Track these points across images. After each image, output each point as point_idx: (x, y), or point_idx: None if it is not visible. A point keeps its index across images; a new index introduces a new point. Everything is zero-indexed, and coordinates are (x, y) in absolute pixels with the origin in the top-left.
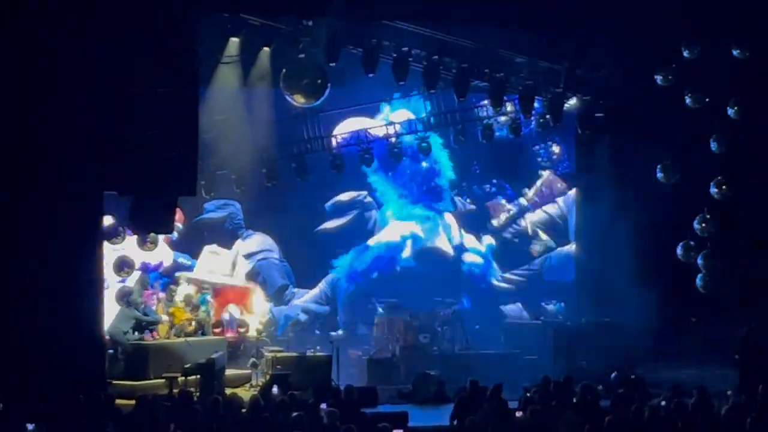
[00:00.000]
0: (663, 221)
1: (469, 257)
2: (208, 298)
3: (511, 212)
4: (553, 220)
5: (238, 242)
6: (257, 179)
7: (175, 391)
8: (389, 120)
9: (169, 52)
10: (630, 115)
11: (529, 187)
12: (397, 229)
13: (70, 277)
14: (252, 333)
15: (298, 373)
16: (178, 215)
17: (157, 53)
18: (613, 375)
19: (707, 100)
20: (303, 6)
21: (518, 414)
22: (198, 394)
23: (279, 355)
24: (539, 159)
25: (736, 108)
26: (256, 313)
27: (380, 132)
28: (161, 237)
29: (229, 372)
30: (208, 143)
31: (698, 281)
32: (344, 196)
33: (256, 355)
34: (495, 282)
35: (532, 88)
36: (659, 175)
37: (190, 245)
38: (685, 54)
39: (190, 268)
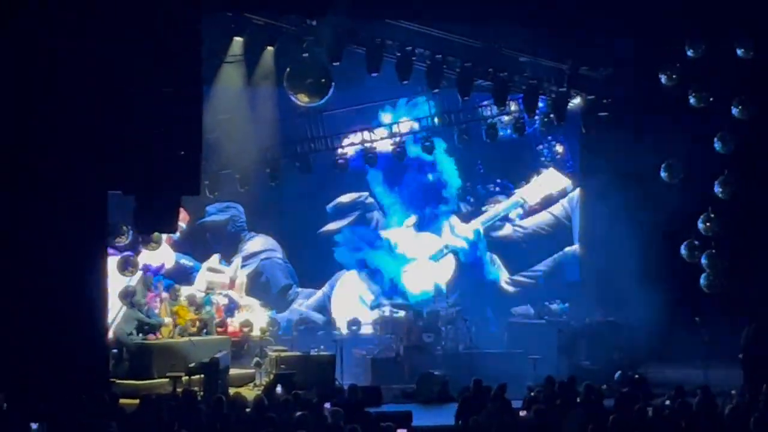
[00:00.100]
0: (667, 220)
1: (452, 240)
2: (213, 297)
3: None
4: (559, 222)
5: (237, 258)
6: (261, 179)
7: (179, 390)
8: (393, 125)
9: (172, 51)
10: (634, 114)
11: (527, 182)
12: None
13: (74, 277)
14: (256, 332)
15: (302, 372)
16: (182, 215)
17: (160, 53)
18: (616, 374)
19: (711, 99)
20: (307, 5)
21: (522, 413)
22: (202, 393)
23: (283, 354)
24: (543, 158)
25: (740, 107)
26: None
27: (385, 146)
28: (164, 238)
29: (233, 371)
30: (212, 143)
31: (702, 280)
32: (345, 198)
33: (260, 355)
34: (503, 285)
35: (536, 87)
36: (663, 174)
37: (192, 247)
38: (690, 53)
39: (192, 269)
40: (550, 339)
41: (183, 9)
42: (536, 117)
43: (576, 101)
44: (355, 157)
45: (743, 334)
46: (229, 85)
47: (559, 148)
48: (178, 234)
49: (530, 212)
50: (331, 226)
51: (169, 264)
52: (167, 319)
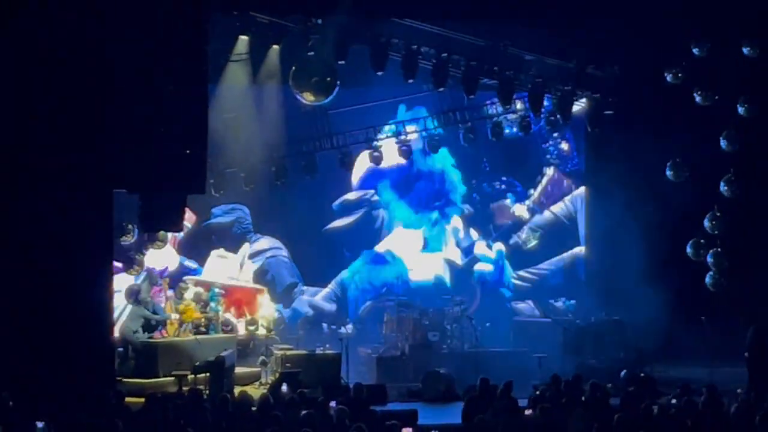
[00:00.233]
0: (672, 219)
1: (480, 266)
2: (218, 294)
3: (521, 215)
4: (559, 220)
5: (245, 245)
6: (266, 177)
7: (185, 389)
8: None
9: (178, 50)
10: (640, 113)
11: (536, 188)
12: (404, 237)
13: (79, 276)
14: (261, 331)
15: (307, 371)
16: (188, 215)
17: (166, 51)
18: (622, 373)
19: (717, 97)
20: (312, 4)
21: (528, 412)
22: (207, 392)
23: (288, 353)
24: (548, 157)
25: (746, 106)
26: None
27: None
28: (169, 241)
29: (238, 370)
30: (217, 141)
31: (708, 279)
32: (351, 195)
33: (266, 353)
34: (512, 280)
35: (542, 85)
36: (669, 173)
37: (197, 249)
38: (695, 52)
39: (196, 272)
40: (556, 338)
41: (189, 8)
42: (542, 115)
43: (582, 103)
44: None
45: (748, 332)
46: (235, 83)
47: (565, 147)
48: (183, 234)
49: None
50: (337, 223)
51: (172, 266)
52: (174, 315)
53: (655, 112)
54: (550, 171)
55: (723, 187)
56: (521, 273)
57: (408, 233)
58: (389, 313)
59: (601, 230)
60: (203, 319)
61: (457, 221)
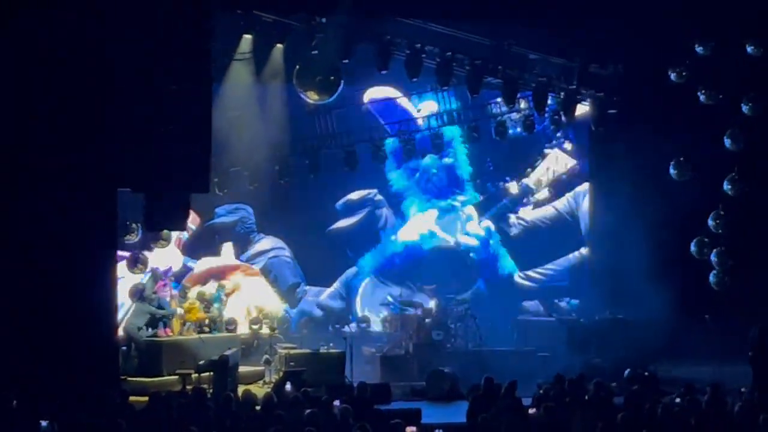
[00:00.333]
0: (676, 218)
1: (465, 239)
2: (222, 295)
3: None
4: (561, 216)
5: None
6: (270, 176)
7: (189, 387)
8: (403, 121)
9: (182, 49)
10: (643, 112)
11: (532, 169)
12: (417, 223)
13: (84, 274)
14: (265, 330)
15: (311, 369)
16: (192, 216)
17: (170, 50)
18: (626, 372)
19: (721, 96)
20: (316, 3)
21: (532, 411)
22: (211, 391)
23: (292, 352)
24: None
25: (750, 104)
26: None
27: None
28: (173, 240)
29: (242, 369)
30: (221, 140)
31: (711, 278)
32: (355, 195)
33: (270, 352)
34: (518, 279)
35: (546, 84)
36: (672, 171)
37: (201, 249)
38: (699, 51)
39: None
40: (560, 336)
41: (193, 7)
42: (546, 115)
43: (585, 105)
44: (364, 153)
45: (752, 331)
46: (239, 82)
47: (569, 146)
48: (187, 234)
49: (539, 203)
50: (341, 223)
51: (176, 266)
52: (179, 310)
53: (658, 111)
54: (552, 154)
55: (727, 186)
56: (528, 273)
57: (421, 219)
58: (393, 311)
59: (605, 229)
60: (207, 319)
61: (470, 210)
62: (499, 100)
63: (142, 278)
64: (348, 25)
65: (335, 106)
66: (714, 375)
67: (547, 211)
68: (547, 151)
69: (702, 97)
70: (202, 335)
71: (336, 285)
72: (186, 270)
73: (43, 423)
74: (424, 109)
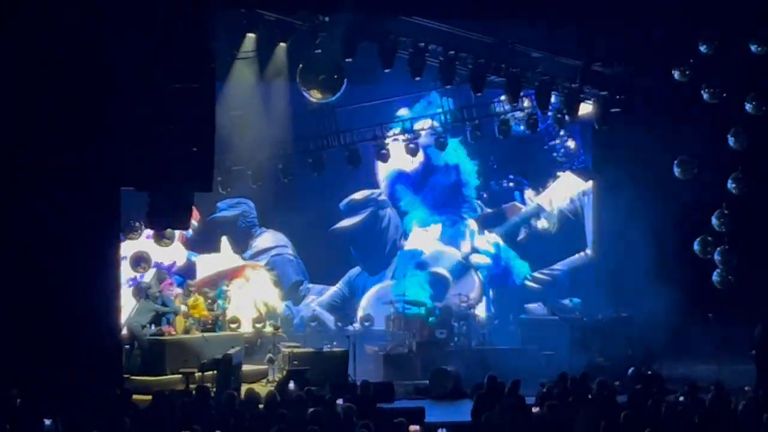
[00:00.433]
0: (680, 216)
1: (476, 258)
2: (225, 292)
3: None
4: (564, 216)
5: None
6: (273, 175)
7: (192, 386)
8: (407, 121)
9: (185, 48)
10: (647, 110)
11: (544, 187)
12: (421, 237)
13: (88, 273)
14: (268, 329)
15: (314, 368)
16: (194, 212)
17: (173, 49)
18: (630, 371)
19: (725, 95)
20: (319, 1)
21: (535, 410)
22: (214, 389)
23: (296, 350)
24: (555, 154)
25: (753, 103)
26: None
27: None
28: (177, 235)
29: (245, 368)
30: (225, 139)
31: (715, 277)
32: (358, 195)
33: (273, 351)
34: (526, 282)
35: (549, 83)
36: (676, 170)
37: (203, 244)
38: (703, 49)
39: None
40: (563, 335)
41: (195, 6)
42: (549, 113)
43: (589, 103)
44: (367, 151)
45: (756, 330)
46: (242, 81)
47: (572, 144)
48: (190, 231)
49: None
50: (344, 223)
51: (180, 262)
52: (183, 307)
53: (662, 109)
54: (564, 176)
55: (731, 185)
56: (535, 275)
57: (425, 231)
58: (396, 310)
59: (609, 228)
60: (210, 318)
61: (472, 224)
62: (502, 98)
63: (143, 275)
64: (351, 24)
65: (338, 105)
66: (717, 373)
67: (551, 211)
68: (559, 173)
69: (706, 96)
70: (206, 334)
71: (339, 285)
72: (190, 264)
73: (47, 422)
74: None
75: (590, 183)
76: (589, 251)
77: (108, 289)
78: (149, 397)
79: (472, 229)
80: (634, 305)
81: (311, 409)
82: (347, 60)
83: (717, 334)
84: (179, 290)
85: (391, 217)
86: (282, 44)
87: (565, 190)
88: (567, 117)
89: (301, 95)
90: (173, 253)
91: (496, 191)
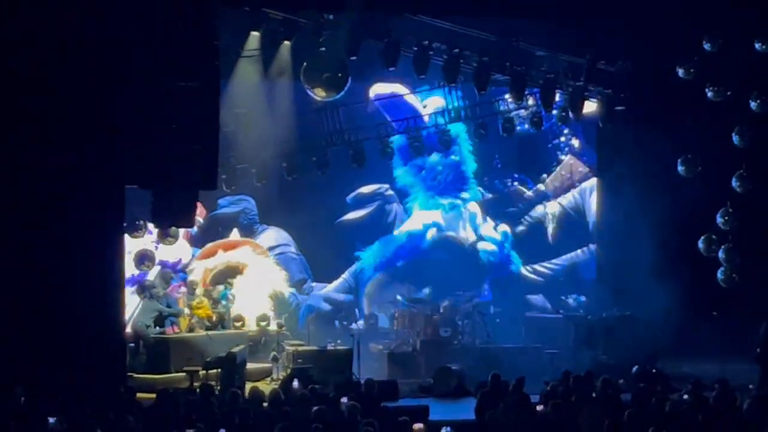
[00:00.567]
0: (684, 214)
1: (482, 245)
2: (229, 293)
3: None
4: (565, 212)
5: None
6: (277, 173)
7: (196, 384)
8: (410, 119)
9: (189, 46)
10: (651, 108)
11: (548, 174)
12: (421, 218)
13: (92, 271)
14: (273, 327)
15: (318, 366)
16: (199, 209)
17: (178, 47)
18: (634, 369)
19: (729, 93)
20: (324, 0)
21: (539, 408)
22: (219, 387)
23: (300, 348)
24: (560, 153)
25: (758, 101)
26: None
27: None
28: (181, 232)
29: (250, 366)
30: (229, 137)
31: (719, 275)
32: (366, 189)
33: (277, 349)
34: (524, 272)
35: (553, 81)
36: (680, 168)
37: (206, 241)
38: (707, 47)
39: None
40: (567, 333)
41: (200, 4)
42: (553, 111)
43: (593, 101)
44: (372, 150)
45: (760, 328)
46: (246, 79)
47: (576, 143)
48: (195, 229)
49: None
50: (350, 215)
51: (185, 259)
52: (186, 310)
53: (666, 107)
54: (567, 158)
55: (735, 183)
56: (535, 267)
57: (425, 214)
58: (400, 308)
59: (613, 225)
60: (214, 316)
61: (474, 207)
62: (506, 96)
63: (146, 273)
64: (355, 22)
65: (343, 103)
66: (722, 372)
67: (553, 207)
68: (562, 157)
69: (710, 94)
70: (210, 332)
71: (345, 275)
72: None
73: (51, 420)
74: (430, 105)
75: (594, 180)
76: (592, 246)
77: (112, 287)
78: (153, 395)
79: (473, 212)
80: (638, 303)
81: (315, 408)
82: (351, 58)
83: (721, 332)
84: (184, 289)
85: (397, 212)
86: (286, 42)
87: (570, 173)
88: (571, 115)
89: (306, 93)
90: (178, 250)
91: (501, 190)
